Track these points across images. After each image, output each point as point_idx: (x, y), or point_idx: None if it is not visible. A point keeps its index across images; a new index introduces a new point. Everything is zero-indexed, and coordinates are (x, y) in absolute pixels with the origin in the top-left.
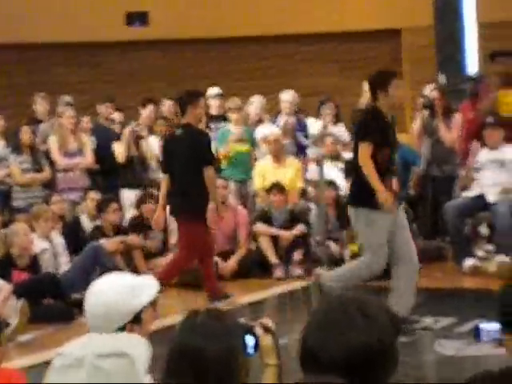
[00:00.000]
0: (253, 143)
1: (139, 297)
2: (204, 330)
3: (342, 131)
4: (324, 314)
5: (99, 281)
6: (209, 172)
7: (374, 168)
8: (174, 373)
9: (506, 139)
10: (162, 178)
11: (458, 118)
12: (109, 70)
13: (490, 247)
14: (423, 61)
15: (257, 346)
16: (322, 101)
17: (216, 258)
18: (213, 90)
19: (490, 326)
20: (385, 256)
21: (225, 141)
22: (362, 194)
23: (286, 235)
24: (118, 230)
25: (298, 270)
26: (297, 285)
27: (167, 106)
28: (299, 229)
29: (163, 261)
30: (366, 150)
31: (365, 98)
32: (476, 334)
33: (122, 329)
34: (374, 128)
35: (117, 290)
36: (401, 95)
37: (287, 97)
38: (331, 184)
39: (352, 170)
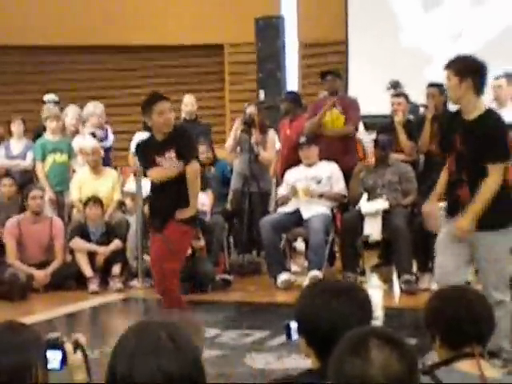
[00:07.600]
0: (70, 154)
1: None
2: None
3: None
4: (135, 339)
5: None
6: None
7: None
8: None
9: (322, 156)
10: None
11: (272, 135)
12: None
13: (305, 262)
14: (245, 77)
15: (64, 361)
16: None
17: (31, 270)
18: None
19: None
20: None
21: (42, 151)
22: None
23: (102, 251)
24: None
25: (117, 284)
26: (114, 298)
27: None
28: (116, 244)
29: None
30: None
31: (184, 110)
32: (287, 332)
33: None
34: None
35: None
36: None
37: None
38: None
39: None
